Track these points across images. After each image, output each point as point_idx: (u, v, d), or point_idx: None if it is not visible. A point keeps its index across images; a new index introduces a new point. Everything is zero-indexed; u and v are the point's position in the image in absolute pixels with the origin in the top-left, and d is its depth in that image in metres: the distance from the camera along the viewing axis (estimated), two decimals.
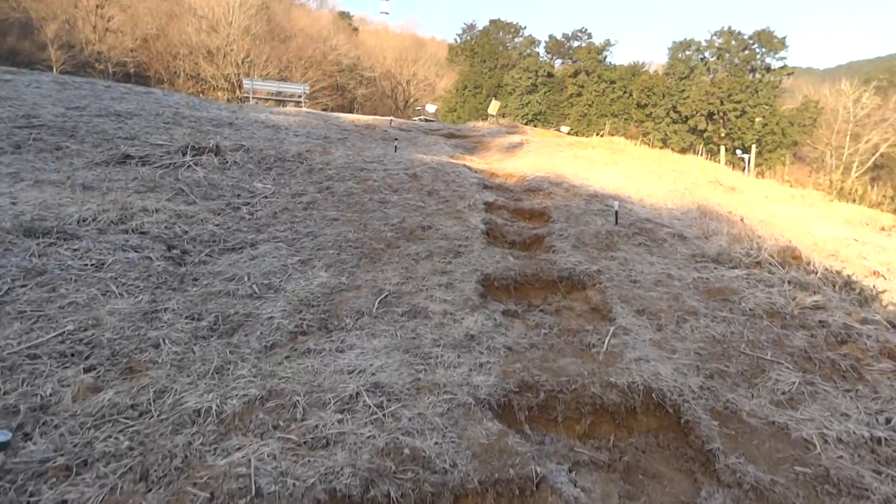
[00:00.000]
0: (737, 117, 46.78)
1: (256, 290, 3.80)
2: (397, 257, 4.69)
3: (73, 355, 2.78)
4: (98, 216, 4.75)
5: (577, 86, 50.94)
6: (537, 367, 3.03)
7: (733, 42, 48.00)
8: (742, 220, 7.24)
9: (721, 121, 47.60)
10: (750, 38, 47.74)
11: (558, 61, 55.04)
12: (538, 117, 50.23)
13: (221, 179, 6.69)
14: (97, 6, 42.61)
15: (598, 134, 43.20)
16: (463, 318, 3.57)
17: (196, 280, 3.95)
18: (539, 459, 2.31)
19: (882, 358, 3.24)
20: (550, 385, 2.84)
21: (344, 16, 65.18)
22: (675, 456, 2.62)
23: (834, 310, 3.78)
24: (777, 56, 47.93)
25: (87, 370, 2.68)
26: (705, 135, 47.86)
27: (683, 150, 42.24)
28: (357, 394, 2.61)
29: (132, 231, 4.66)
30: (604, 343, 3.38)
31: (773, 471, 2.36)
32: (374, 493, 2.02)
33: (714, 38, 49.03)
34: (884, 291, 4.37)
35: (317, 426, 2.35)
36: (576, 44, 53.60)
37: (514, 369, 2.98)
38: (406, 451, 2.22)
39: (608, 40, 52.30)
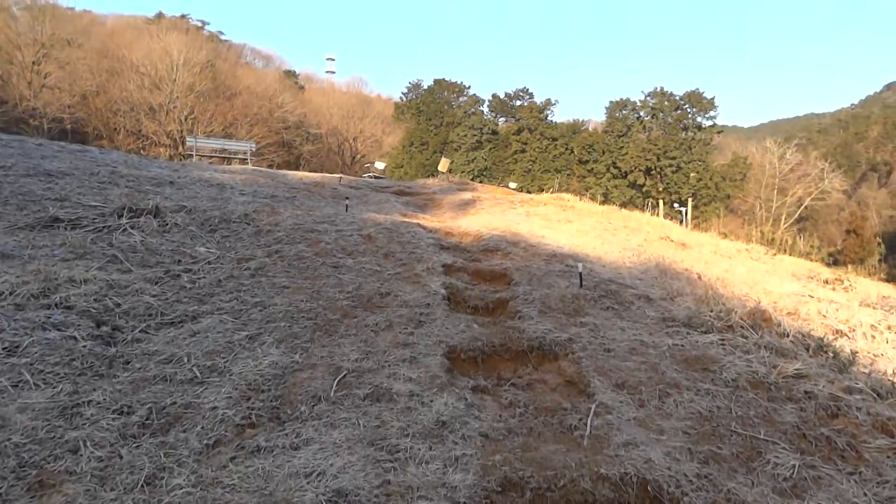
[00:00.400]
0: (673, 172, 48.88)
1: (198, 374, 3.38)
2: (355, 329, 4.34)
3: None
4: (16, 289, 4.23)
5: (520, 143, 52.41)
6: (519, 459, 2.71)
7: (666, 102, 50.65)
8: (700, 277, 7.23)
9: (658, 176, 49.63)
10: (681, 98, 50.51)
11: (502, 119, 56.72)
12: (484, 173, 51.19)
13: (160, 244, 6.22)
14: (33, 62, 41.48)
15: (542, 189, 44.25)
16: (432, 400, 3.24)
17: (128, 363, 3.49)
18: None
19: (876, 433, 3.09)
20: (536, 481, 2.53)
21: (290, 74, 65.69)
22: None
23: (816, 378, 3.65)
24: (707, 115, 50.77)
25: None
26: (644, 189, 49.73)
27: (624, 205, 43.65)
28: None
29: (55, 306, 4.16)
30: (587, 425, 3.11)
31: None
32: None
33: (648, 98, 51.67)
34: (856, 353, 4.30)
35: None
36: (518, 103, 55.46)
37: (494, 463, 2.66)
38: None
39: (549, 99, 54.38)
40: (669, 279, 6.66)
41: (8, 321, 3.72)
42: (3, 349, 3.37)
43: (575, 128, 54.43)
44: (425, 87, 57.70)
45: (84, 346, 3.58)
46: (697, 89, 50.20)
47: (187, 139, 20.03)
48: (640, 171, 49.56)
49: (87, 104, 44.10)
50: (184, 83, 44.59)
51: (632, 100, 52.53)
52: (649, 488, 2.56)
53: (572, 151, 52.51)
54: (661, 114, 51.10)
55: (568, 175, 51.89)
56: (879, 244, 51.11)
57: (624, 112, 52.50)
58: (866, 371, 4.03)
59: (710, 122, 51.27)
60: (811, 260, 23.74)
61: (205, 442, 2.71)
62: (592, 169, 51.68)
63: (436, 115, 54.98)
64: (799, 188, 55.77)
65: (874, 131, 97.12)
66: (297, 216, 8.37)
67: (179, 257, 5.89)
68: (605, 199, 45.50)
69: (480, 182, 45.92)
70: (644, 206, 46.40)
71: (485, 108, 55.96)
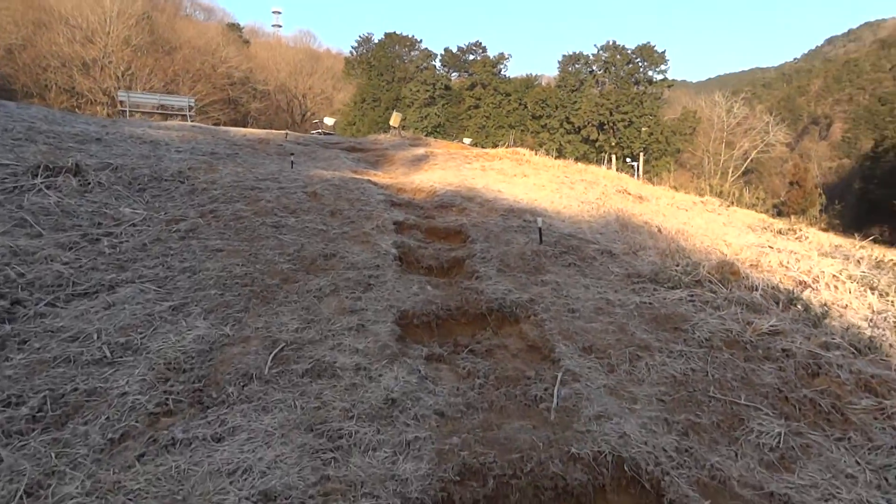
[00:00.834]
0: (625, 127, 49.05)
1: (108, 354, 2.91)
2: (296, 295, 3.91)
3: None
4: None
5: (474, 98, 51.53)
6: (479, 441, 2.39)
7: (618, 56, 50.39)
8: (660, 230, 7.03)
9: (611, 131, 49.75)
10: (633, 52, 50.32)
11: (455, 74, 55.52)
12: (438, 129, 50.30)
13: (79, 205, 5.59)
14: None
15: (497, 145, 43.79)
16: (380, 374, 2.88)
17: (24, 343, 3.00)
18: None
19: (861, 392, 2.89)
20: (500, 466, 2.21)
21: (234, 28, 62.43)
22: None
23: (793, 335, 3.43)
24: (658, 69, 50.80)
25: None
26: (597, 144, 49.85)
27: (577, 160, 43.65)
28: None
29: None
30: (553, 395, 2.81)
31: None
32: None
33: (600, 52, 51.29)
34: (827, 306, 4.13)
35: None
36: (471, 57, 54.28)
37: (451, 446, 2.32)
38: None
39: (502, 54, 53.33)
40: (630, 233, 6.42)
41: None
42: None
43: (528, 83, 53.70)
44: (376, 41, 55.76)
45: None
46: (649, 43, 50.04)
47: (119, 94, 18.54)
48: (592, 125, 49.51)
49: (13, 59, 40.87)
50: (119, 36, 41.75)
51: (584, 53, 52.09)
52: (626, 468, 2.27)
53: (526, 107, 51.94)
54: (613, 68, 50.83)
55: (522, 131, 51.42)
56: (820, 195, 52.97)
57: (577, 66, 52.01)
58: (840, 325, 3.86)
59: (660, 77, 51.35)
60: (757, 211, 24.17)
61: (109, 436, 2.28)
62: (546, 124, 51.33)
63: (387, 70, 53.33)
64: (745, 141, 56.91)
65: (815, 85, 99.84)
66: (237, 173, 7.76)
67: (100, 219, 5.29)
68: (559, 155, 45.38)
69: (434, 138, 45.22)
70: (597, 160, 46.66)
71: (437, 63, 54.59)
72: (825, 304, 4.22)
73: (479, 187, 8.49)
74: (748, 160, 57.82)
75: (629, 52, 50.37)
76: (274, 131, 16.86)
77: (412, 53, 54.59)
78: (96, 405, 2.49)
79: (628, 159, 46.08)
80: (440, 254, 5.21)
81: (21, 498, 1.89)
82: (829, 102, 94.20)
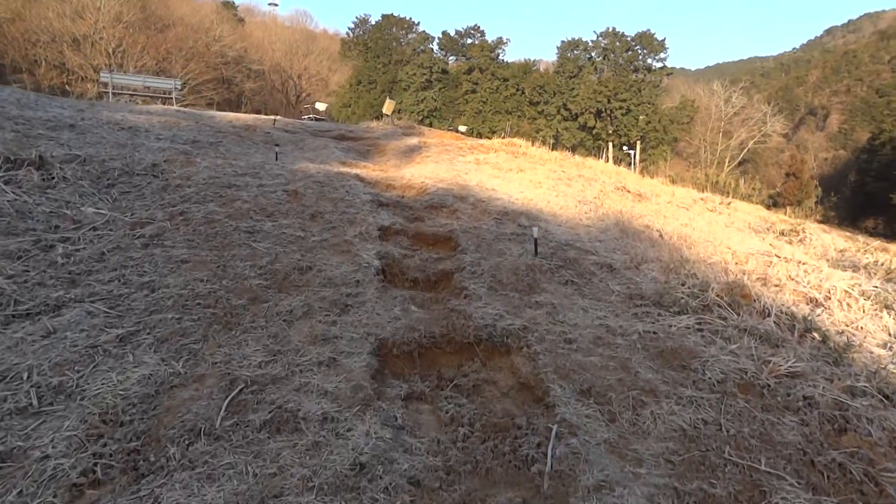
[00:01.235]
0: (622, 115, 48.51)
1: (35, 402, 2.52)
2: (264, 319, 3.53)
3: None
4: None
5: (471, 83, 50.80)
6: None
7: (617, 43, 49.71)
8: (661, 235, 6.67)
9: (608, 118, 49.20)
10: (632, 39, 49.63)
11: (452, 58, 54.70)
12: (434, 113, 49.67)
13: (37, 204, 5.17)
14: None
15: (493, 131, 43.27)
16: (349, 429, 2.50)
17: None
18: None
19: (894, 454, 2.54)
20: None
21: (228, 5, 61.32)
22: None
23: (813, 377, 3.08)
24: (657, 57, 50.17)
25: None
26: (594, 131, 49.33)
27: (574, 147, 43.23)
28: None
29: None
30: (547, 455, 2.44)
31: None
32: None
33: (600, 38, 50.58)
34: (842, 333, 3.78)
35: None
36: (469, 41, 53.44)
37: None
38: None
39: (500, 38, 52.61)
40: (631, 240, 6.05)
41: None
42: None
43: (526, 68, 52.93)
44: (373, 22, 54.79)
45: None
46: (648, 30, 49.33)
47: (102, 75, 17.87)
48: (590, 113, 48.91)
49: (2, 32, 39.93)
50: (110, 12, 40.83)
51: (584, 40, 51.35)
52: None
53: (523, 92, 51.25)
54: (612, 55, 50.13)
55: (519, 117, 50.81)
56: (816, 187, 52.82)
57: (576, 52, 51.29)
58: (862, 360, 3.51)
59: (659, 65, 50.71)
60: (753, 202, 23.90)
61: None
62: (543, 111, 50.70)
63: (384, 52, 52.43)
64: (743, 131, 56.56)
65: (813, 76, 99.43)
66: (215, 167, 7.33)
67: (58, 222, 4.88)
68: (556, 142, 44.98)
69: (430, 123, 44.60)
70: (594, 148, 46.22)
71: (434, 46, 53.69)
72: (841, 332, 3.88)
73: (472, 185, 8.09)
74: (745, 150, 57.52)
75: (628, 39, 49.70)
76: (262, 117, 16.33)
77: (409, 36, 53.71)
78: (10, 473, 2.11)
79: (625, 147, 45.64)
80: (427, 265, 4.83)
81: None
82: (827, 93, 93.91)
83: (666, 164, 46.10)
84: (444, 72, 51.79)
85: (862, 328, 4.54)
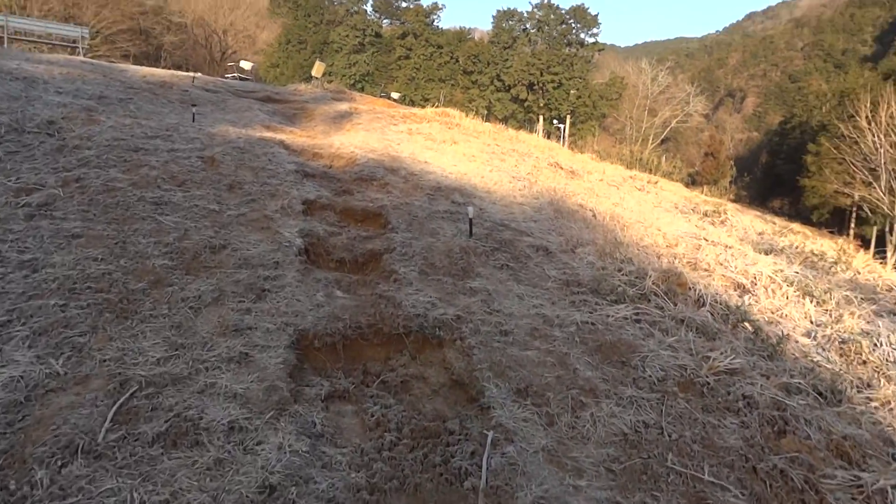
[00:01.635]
0: (554, 88, 48.86)
1: None
2: (167, 305, 3.12)
3: None
4: None
5: (405, 48, 49.66)
6: None
7: (552, 16, 49.76)
8: (595, 215, 6.60)
9: (540, 91, 49.45)
10: (567, 12, 49.80)
11: (386, 21, 53.19)
12: (366, 78, 48.33)
13: None
14: None
15: (426, 99, 42.62)
16: (260, 441, 2.20)
17: None
18: None
19: (833, 458, 2.50)
20: None
21: None
22: None
23: (751, 374, 3.02)
24: (590, 32, 50.62)
25: None
26: (526, 104, 49.51)
27: (505, 119, 43.24)
28: None
29: None
30: (481, 468, 2.23)
31: None
32: None
33: (535, 9, 50.47)
34: (782, 333, 3.78)
35: None
36: (403, 4, 52.05)
37: None
38: None
39: (436, 3, 51.37)
40: (565, 220, 5.92)
41: None
42: None
43: (461, 36, 52.19)
44: None
45: None
46: (583, 4, 49.57)
47: None
48: (523, 85, 48.96)
49: None
50: None
51: (519, 10, 51.12)
52: None
53: (457, 61, 50.61)
54: (546, 27, 50.17)
55: (452, 85, 50.21)
56: (732, 167, 55.49)
57: (511, 23, 50.99)
58: (793, 353, 3.51)
59: (592, 40, 51.21)
60: (673, 180, 24.65)
61: None
62: (477, 80, 50.31)
63: (315, 11, 50.20)
64: (667, 110, 58.36)
65: (733, 59, 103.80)
66: (122, 127, 6.64)
67: None
68: (488, 113, 44.85)
69: (362, 88, 43.33)
70: (525, 121, 46.41)
71: (368, 8, 51.93)
72: (770, 322, 3.89)
73: (404, 156, 7.74)
74: (668, 129, 59.43)
75: (563, 12, 49.84)
76: (180, 73, 15.17)
77: None
78: None
79: (555, 121, 46.09)
80: (355, 244, 4.50)
81: None
82: (745, 77, 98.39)
83: (594, 140, 47.00)
84: (378, 35, 50.34)
85: (786, 315, 4.60)
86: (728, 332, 3.59)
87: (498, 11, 51.58)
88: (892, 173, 25.55)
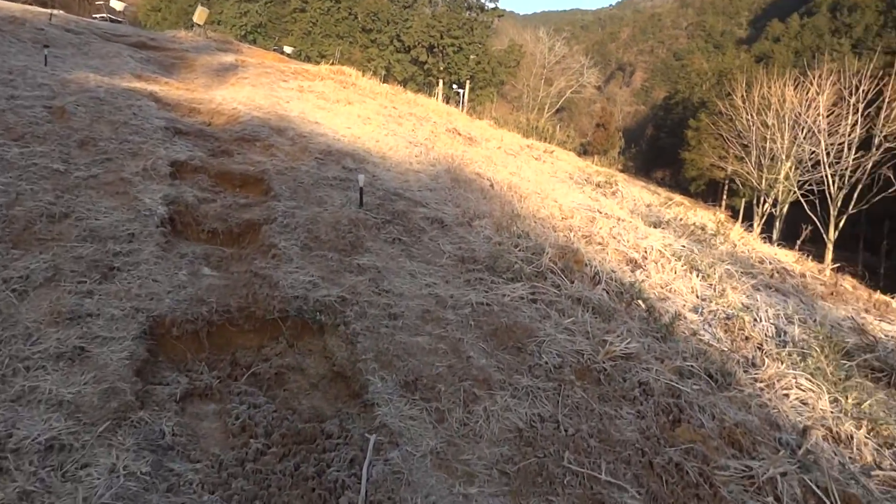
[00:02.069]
0: (454, 52, 48.50)
1: None
2: None
3: None
4: None
5: (301, 0, 47.16)
6: None
7: None
8: (492, 185, 6.45)
9: (440, 54, 48.92)
10: None
11: None
12: (258, 30, 45.55)
13: None
14: None
15: (323, 56, 40.85)
16: (88, 463, 1.80)
17: None
18: None
19: (726, 448, 2.46)
20: None
21: None
22: None
23: (646, 357, 2.95)
24: None
25: None
26: (426, 67, 48.89)
27: (405, 81, 42.44)
28: None
29: None
30: (361, 479, 1.96)
31: None
32: None
33: None
34: (675, 313, 3.79)
35: None
36: None
37: None
38: None
39: None
40: (462, 190, 5.71)
41: None
42: None
43: None
44: None
45: None
46: None
47: None
48: (423, 47, 48.17)
49: None
50: None
51: None
52: None
53: (356, 17, 48.81)
54: None
55: (351, 43, 48.43)
56: (620, 138, 58.19)
57: None
58: (683, 330, 3.51)
59: (492, 5, 51.15)
60: (567, 149, 25.26)
61: None
62: (376, 39, 48.86)
63: None
64: (562, 80, 59.80)
65: (625, 33, 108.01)
66: None
67: None
68: (388, 73, 43.79)
69: (254, 40, 40.76)
70: (425, 84, 45.84)
71: None
72: (662, 298, 3.90)
73: (293, 115, 7.17)
74: (563, 98, 61.00)
75: None
76: (37, 9, 13.34)
77: None
78: None
79: (455, 86, 45.90)
80: (231, 213, 4.02)
81: None
82: (635, 52, 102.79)
83: (492, 106, 47.34)
84: None
85: (675, 290, 4.68)
86: (623, 312, 3.54)
87: None
88: (761, 150, 27.64)
